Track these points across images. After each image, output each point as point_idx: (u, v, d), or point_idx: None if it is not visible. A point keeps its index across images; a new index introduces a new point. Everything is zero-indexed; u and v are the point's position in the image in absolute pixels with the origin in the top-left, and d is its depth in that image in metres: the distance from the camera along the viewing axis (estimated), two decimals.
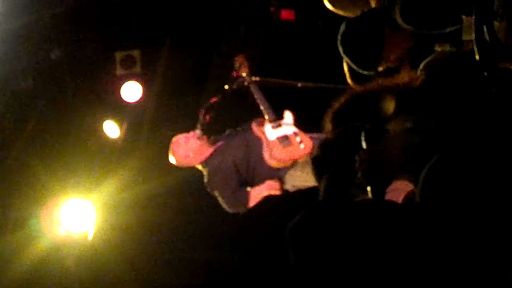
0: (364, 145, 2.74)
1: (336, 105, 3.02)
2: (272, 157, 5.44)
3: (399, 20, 3.61)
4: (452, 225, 2.27)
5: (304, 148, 5.40)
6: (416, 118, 2.90)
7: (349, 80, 4.18)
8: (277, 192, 5.50)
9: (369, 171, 2.74)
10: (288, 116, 5.57)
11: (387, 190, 2.88)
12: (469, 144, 2.45)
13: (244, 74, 5.76)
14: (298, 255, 2.45)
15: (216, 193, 5.61)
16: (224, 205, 5.60)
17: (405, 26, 3.62)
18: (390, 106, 2.94)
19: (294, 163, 5.51)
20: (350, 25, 3.86)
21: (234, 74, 5.93)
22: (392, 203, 2.63)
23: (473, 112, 2.79)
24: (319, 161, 2.88)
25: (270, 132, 5.49)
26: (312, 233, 2.43)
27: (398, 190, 3.05)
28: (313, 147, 5.38)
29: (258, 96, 5.65)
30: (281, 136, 5.46)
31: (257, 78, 5.81)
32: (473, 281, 2.26)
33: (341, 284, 2.37)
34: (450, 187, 2.28)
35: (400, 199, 2.91)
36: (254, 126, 5.61)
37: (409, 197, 2.90)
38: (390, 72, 3.74)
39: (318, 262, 2.39)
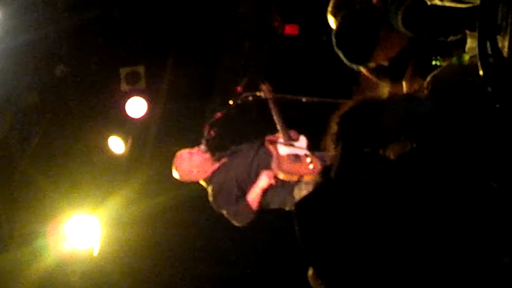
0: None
1: (344, 109, 3.04)
2: (280, 168, 5.48)
3: (400, 26, 3.62)
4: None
5: (313, 168, 5.45)
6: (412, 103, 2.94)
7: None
8: (273, 181, 5.49)
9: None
10: (302, 139, 5.64)
11: None
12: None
13: (268, 98, 5.80)
14: (304, 230, 2.46)
15: (223, 212, 5.62)
16: (234, 221, 5.61)
17: (405, 32, 3.64)
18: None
19: (298, 182, 5.52)
20: (347, 19, 3.87)
21: (238, 89, 5.96)
22: (402, 178, 2.63)
23: (477, 126, 2.80)
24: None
25: (282, 149, 5.55)
26: (318, 209, 2.45)
27: None
28: (320, 171, 5.42)
29: (276, 116, 5.70)
30: (292, 154, 5.52)
31: (261, 93, 5.83)
32: (468, 266, 2.29)
33: (344, 260, 2.39)
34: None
35: None
36: (267, 141, 5.65)
37: None
38: (379, 71, 3.78)
39: (322, 237, 2.42)
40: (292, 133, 5.69)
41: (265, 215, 5.74)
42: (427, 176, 2.54)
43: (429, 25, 3.57)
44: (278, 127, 5.66)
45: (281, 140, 5.58)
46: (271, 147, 5.59)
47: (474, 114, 2.84)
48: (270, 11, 8.24)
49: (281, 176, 5.49)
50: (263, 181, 5.50)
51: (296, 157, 5.51)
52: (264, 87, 5.83)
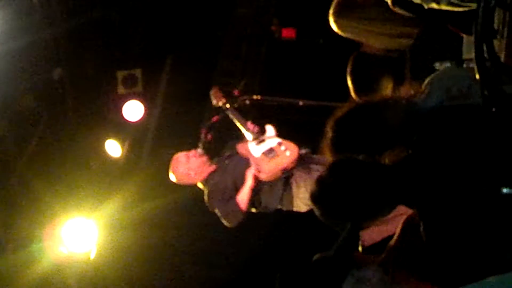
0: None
1: (339, 113, 3.03)
2: (262, 171, 5.46)
3: (391, 6, 3.73)
4: None
5: (290, 154, 5.44)
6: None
7: (353, 94, 4.20)
8: (257, 173, 5.47)
9: None
10: (269, 129, 5.62)
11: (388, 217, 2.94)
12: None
13: (221, 104, 5.80)
14: None
15: (216, 211, 5.62)
16: (224, 221, 5.60)
17: (395, 10, 3.75)
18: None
19: (297, 185, 5.51)
20: None
21: (236, 92, 5.94)
22: None
23: (474, 131, 2.79)
24: (318, 199, 2.92)
25: (254, 149, 5.52)
26: None
27: (398, 216, 3.07)
28: (298, 153, 5.41)
29: (237, 119, 5.70)
30: (266, 150, 5.50)
31: (259, 97, 5.82)
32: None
33: None
34: None
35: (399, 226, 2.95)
36: (239, 148, 5.64)
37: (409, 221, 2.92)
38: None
39: None
40: (254, 127, 5.65)
41: (262, 218, 5.73)
42: (422, 184, 2.54)
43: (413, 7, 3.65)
44: (242, 129, 5.63)
45: (250, 142, 5.55)
46: (245, 153, 5.58)
47: (471, 119, 2.84)
48: (267, 15, 8.25)
49: (265, 178, 5.47)
50: (250, 179, 5.49)
51: (271, 151, 5.48)
52: (213, 92, 5.84)
